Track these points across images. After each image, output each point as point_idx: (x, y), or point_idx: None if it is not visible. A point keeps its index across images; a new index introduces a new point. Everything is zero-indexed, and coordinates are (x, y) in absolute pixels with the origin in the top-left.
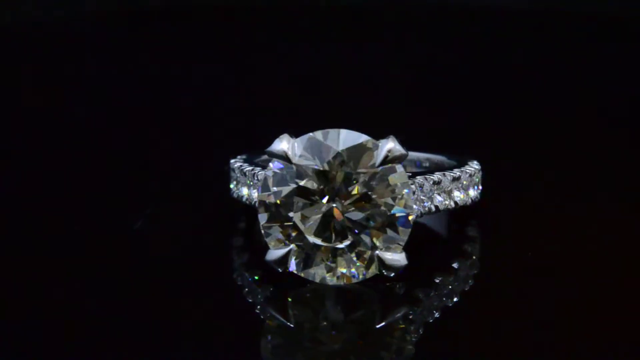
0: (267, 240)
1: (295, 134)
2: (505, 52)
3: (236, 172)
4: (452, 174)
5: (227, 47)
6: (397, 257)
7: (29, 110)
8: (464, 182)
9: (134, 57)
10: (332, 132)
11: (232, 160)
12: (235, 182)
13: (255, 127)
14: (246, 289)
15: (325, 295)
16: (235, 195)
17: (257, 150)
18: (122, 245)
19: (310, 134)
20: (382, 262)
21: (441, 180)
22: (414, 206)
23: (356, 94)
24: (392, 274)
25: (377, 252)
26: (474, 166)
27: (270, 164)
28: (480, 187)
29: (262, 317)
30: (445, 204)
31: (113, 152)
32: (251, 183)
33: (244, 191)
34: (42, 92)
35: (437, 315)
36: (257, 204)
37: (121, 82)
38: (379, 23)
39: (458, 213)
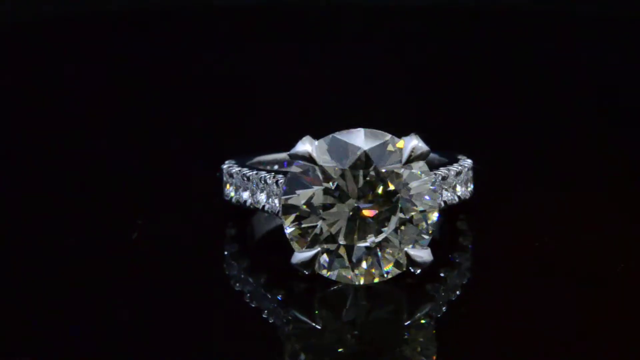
0: (292, 243)
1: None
2: (499, 51)
3: (235, 177)
4: (454, 169)
5: (212, 48)
6: (423, 254)
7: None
8: (464, 177)
9: (117, 59)
10: (355, 131)
11: (226, 166)
12: (233, 187)
13: (230, 132)
14: (248, 294)
15: (350, 295)
16: (233, 200)
17: (242, 154)
18: (117, 255)
19: (333, 134)
20: (409, 259)
21: (447, 176)
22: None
23: (345, 94)
24: (418, 271)
25: (405, 249)
26: (467, 161)
27: (292, 166)
28: (473, 182)
29: (274, 321)
30: (451, 198)
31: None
32: (256, 187)
33: (245, 195)
34: (30, 94)
35: (444, 309)
36: (274, 208)
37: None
38: (370, 22)
39: (448, 208)
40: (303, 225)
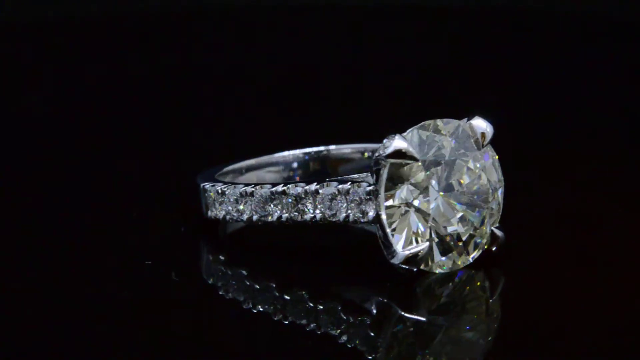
0: (396, 243)
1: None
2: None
3: (269, 195)
4: None
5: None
6: (500, 232)
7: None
8: None
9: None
10: (432, 123)
11: (232, 188)
12: (262, 207)
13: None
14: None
15: (442, 283)
16: (254, 218)
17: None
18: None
19: (415, 129)
20: (492, 237)
21: None
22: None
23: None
24: (494, 248)
25: (490, 228)
26: None
27: (386, 166)
28: None
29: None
30: None
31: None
32: (301, 202)
33: (277, 213)
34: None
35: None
36: (334, 216)
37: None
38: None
39: None
40: (403, 223)
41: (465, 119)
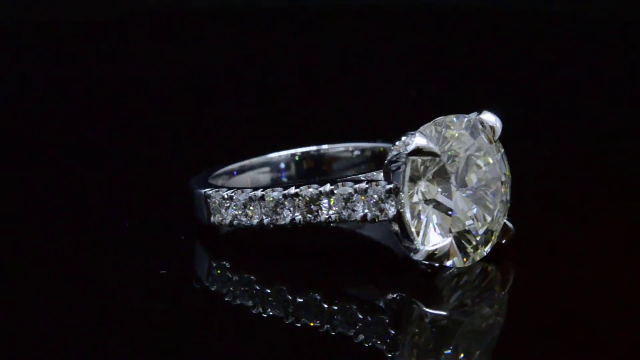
0: (418, 240)
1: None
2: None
3: (280, 198)
4: None
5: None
6: (512, 225)
7: None
8: None
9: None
10: (445, 119)
11: (239, 193)
12: (273, 210)
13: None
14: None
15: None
16: (265, 221)
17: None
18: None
19: (429, 125)
20: (506, 230)
21: None
22: None
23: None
24: (504, 241)
25: (503, 220)
26: None
27: (407, 165)
28: None
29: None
30: None
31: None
32: (319, 203)
33: (290, 216)
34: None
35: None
36: (357, 215)
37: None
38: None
39: None
40: (423, 220)
41: (475, 113)
